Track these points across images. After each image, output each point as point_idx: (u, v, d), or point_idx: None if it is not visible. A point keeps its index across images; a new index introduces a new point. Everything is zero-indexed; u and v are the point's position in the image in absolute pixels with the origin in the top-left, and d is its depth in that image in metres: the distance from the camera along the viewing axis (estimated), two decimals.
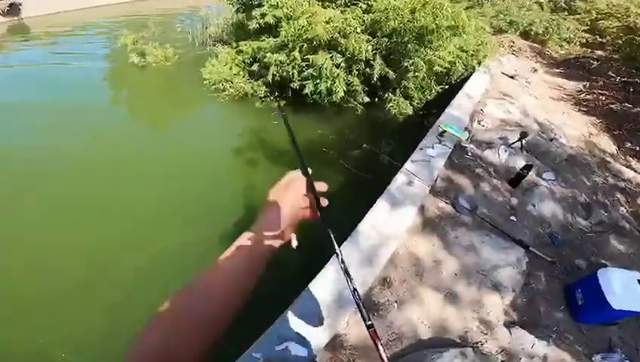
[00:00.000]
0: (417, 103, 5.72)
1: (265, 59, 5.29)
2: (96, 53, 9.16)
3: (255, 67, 5.66)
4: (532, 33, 7.44)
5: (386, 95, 5.61)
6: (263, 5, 5.26)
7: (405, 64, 5.15)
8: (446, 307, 2.57)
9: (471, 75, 5.68)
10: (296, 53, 4.95)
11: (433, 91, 5.66)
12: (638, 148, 4.83)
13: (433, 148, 3.68)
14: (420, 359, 2.15)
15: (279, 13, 5.10)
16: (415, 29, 5.01)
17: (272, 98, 5.72)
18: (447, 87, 5.79)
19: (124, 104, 7.06)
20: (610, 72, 6.43)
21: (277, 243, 0.66)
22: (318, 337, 2.12)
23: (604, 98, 5.72)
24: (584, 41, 7.77)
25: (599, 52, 7.78)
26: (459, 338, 2.42)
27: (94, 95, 6.93)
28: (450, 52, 5.26)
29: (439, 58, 5.09)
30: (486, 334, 2.45)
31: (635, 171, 4.49)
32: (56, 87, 7.05)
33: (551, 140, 4.62)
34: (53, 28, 11.39)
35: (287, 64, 5.11)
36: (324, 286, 2.36)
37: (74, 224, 4.08)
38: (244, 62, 5.92)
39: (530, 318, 2.60)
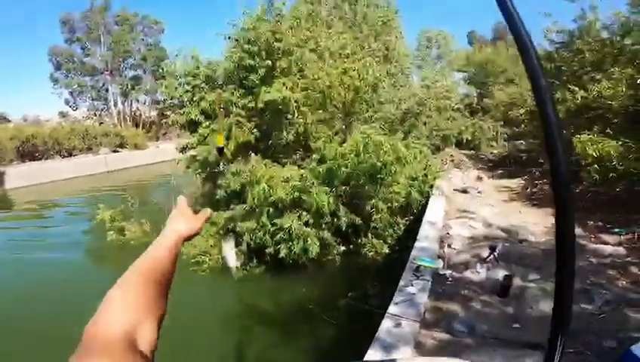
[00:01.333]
0: (390, 241, 5.94)
1: (237, 229, 5.49)
2: (75, 231, 9.17)
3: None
4: (464, 141, 8.39)
5: (359, 240, 5.84)
6: (226, 175, 5.71)
7: (367, 208, 5.52)
8: None
9: (428, 199, 6.12)
10: (264, 219, 5.20)
11: (401, 225, 5.97)
12: (601, 223, 5.08)
13: (413, 285, 3.64)
14: None
15: (241, 181, 5.48)
16: (365, 169, 5.54)
17: (251, 265, 5.72)
18: (411, 217, 6.13)
19: (103, 286, 6.65)
20: (540, 160, 7.05)
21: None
22: None
23: (547, 187, 6.21)
24: (506, 136, 8.77)
25: (522, 142, 8.72)
26: None
27: (74, 278, 6.53)
28: (402, 184, 5.73)
29: (395, 193, 5.51)
30: None
31: (612, 245, 4.64)
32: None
33: (521, 242, 4.79)
34: (32, 204, 11.67)
35: (258, 230, 5.31)
36: None
37: None
38: (218, 233, 6.06)
39: None
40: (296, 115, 5.93)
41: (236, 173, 5.75)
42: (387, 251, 5.87)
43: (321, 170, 5.44)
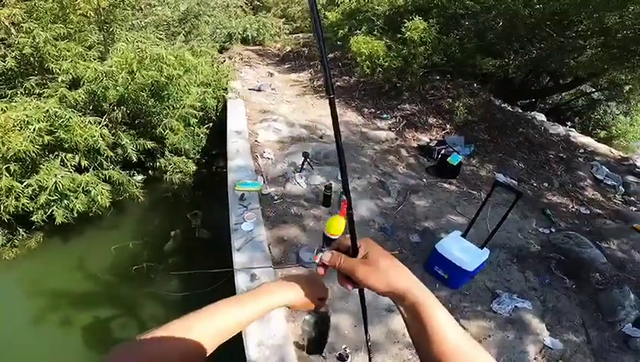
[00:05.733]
0: (194, 154, 4.85)
1: None
2: None
3: None
4: (249, 38, 7.35)
5: (157, 163, 4.49)
6: None
7: (159, 130, 4.11)
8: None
9: (225, 102, 5.16)
10: (6, 182, 3.13)
11: (202, 135, 4.87)
12: (373, 110, 5.48)
13: (245, 220, 3.04)
14: None
15: None
16: (146, 87, 3.97)
17: (20, 238, 3.67)
18: (210, 124, 5.09)
19: None
20: (317, 54, 7.03)
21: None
22: None
23: None
24: (287, 32, 8.26)
25: (301, 34, 8.46)
26: None
27: None
28: (194, 94, 4.46)
29: (191, 108, 4.25)
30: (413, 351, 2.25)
31: (382, 129, 5.09)
32: None
33: (321, 138, 4.67)
34: None
35: (6, 196, 3.24)
36: None
37: None
38: None
39: None
40: (14, 34, 3.38)
41: None
42: (195, 167, 4.84)
43: (77, 96, 3.50)
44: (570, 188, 4.45)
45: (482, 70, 5.81)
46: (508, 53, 5.84)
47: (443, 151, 4.45)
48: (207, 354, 0.57)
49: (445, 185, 4.06)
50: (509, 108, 6.11)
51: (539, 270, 3.03)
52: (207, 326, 0.58)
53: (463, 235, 2.80)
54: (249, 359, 2.06)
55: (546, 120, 6.25)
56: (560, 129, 5.87)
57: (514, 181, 4.42)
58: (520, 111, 6.31)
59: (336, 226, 1.77)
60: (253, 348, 2.11)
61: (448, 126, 5.22)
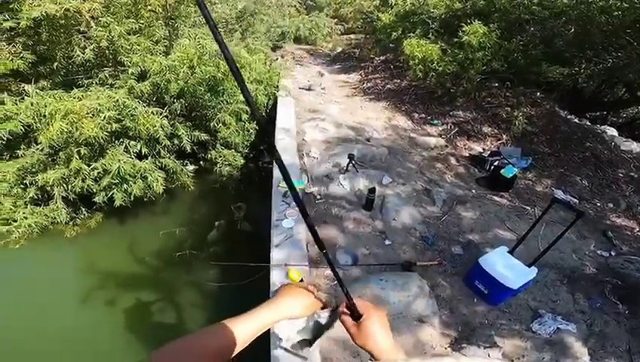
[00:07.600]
0: (243, 148, 5.04)
1: (38, 183, 3.63)
2: None
3: (32, 192, 3.82)
4: (302, 37, 7.50)
5: (209, 155, 4.73)
6: None
7: (213, 124, 4.34)
8: None
9: (276, 100, 5.30)
10: (76, 164, 3.51)
11: (251, 130, 5.05)
12: (424, 115, 5.35)
13: (286, 217, 3.11)
14: None
15: (21, 120, 3.42)
16: (204, 82, 4.21)
17: (80, 218, 4.08)
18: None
19: None
20: (371, 55, 6.98)
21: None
22: None
23: (379, 81, 6.16)
24: (339, 32, 8.29)
25: (352, 35, 8.46)
26: None
27: None
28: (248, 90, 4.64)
29: (243, 103, 4.44)
30: None
31: (432, 136, 4.95)
32: None
33: (368, 140, 4.64)
34: None
35: (74, 178, 3.62)
36: None
37: None
38: (12, 188, 3.95)
39: (463, 327, 2.47)
40: (93, 27, 3.76)
41: (3, 117, 3.55)
42: (243, 161, 5.04)
43: (144, 87, 3.80)
44: (638, 211, 4.04)
45: (547, 78, 5.43)
46: (579, 62, 5.39)
47: (496, 163, 4.22)
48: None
49: (496, 198, 3.86)
50: (575, 120, 5.65)
51: (590, 293, 2.79)
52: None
53: (510, 251, 2.67)
54: (273, 357, 2.09)
55: (617, 135, 5.69)
56: (633, 145, 5.31)
57: (574, 199, 4.09)
58: (588, 124, 5.81)
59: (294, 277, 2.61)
60: (278, 346, 2.15)
61: (504, 136, 4.95)
